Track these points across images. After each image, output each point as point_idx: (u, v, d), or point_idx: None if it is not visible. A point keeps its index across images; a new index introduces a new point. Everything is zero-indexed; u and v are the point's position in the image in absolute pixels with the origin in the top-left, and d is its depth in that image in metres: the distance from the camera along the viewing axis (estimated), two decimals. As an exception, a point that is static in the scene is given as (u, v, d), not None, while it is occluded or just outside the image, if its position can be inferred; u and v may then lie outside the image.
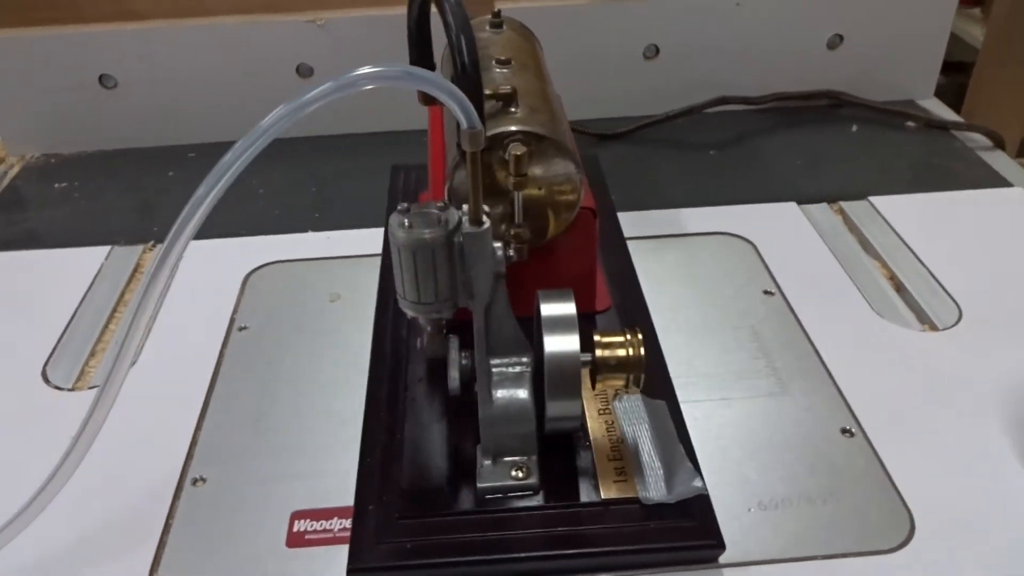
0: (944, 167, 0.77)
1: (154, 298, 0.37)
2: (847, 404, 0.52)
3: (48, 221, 0.73)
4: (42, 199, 0.76)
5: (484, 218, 0.40)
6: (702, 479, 0.44)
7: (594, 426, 0.47)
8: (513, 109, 0.48)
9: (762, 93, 0.83)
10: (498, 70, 0.53)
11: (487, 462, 0.44)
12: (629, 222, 0.69)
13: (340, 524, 0.45)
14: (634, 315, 0.56)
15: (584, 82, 0.83)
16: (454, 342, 0.44)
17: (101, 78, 0.79)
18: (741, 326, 0.58)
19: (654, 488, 0.43)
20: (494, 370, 0.44)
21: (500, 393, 0.43)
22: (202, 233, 0.70)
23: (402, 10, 0.80)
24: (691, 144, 0.81)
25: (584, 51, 0.81)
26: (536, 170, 0.48)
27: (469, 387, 0.44)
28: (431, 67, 0.47)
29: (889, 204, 0.71)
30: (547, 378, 0.41)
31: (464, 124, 0.36)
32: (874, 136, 0.82)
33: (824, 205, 0.71)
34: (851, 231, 0.69)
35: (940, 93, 0.89)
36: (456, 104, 0.36)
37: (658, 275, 0.63)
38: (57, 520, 0.45)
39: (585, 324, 0.53)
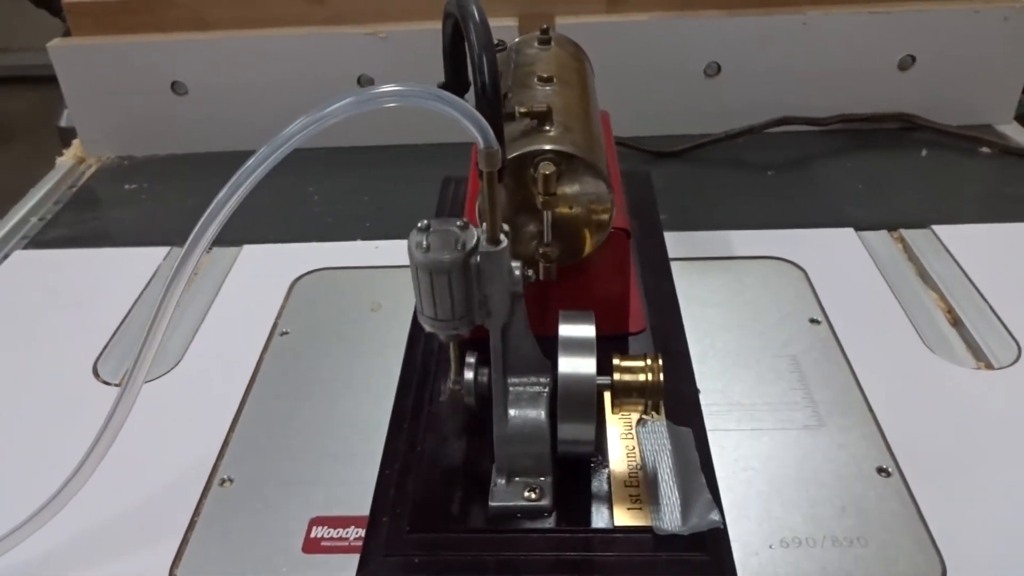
0: (1018, 196, 0.73)
1: (174, 299, 0.38)
2: (886, 442, 0.50)
3: (115, 220, 0.77)
4: (112, 199, 0.80)
5: (502, 237, 0.39)
6: (720, 512, 0.43)
7: (614, 450, 0.46)
8: (547, 127, 0.48)
9: (827, 114, 0.81)
10: (539, 87, 0.53)
11: (501, 481, 0.44)
12: (677, 242, 0.68)
13: (356, 533, 0.46)
14: (669, 338, 0.55)
15: (643, 98, 0.82)
16: (471, 357, 0.44)
17: (173, 85, 0.82)
18: (782, 355, 0.57)
19: (668, 518, 0.42)
20: (511, 389, 0.43)
21: (515, 412, 0.43)
22: (256, 238, 0.73)
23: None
24: (749, 165, 0.79)
25: (644, 67, 0.81)
26: (567, 189, 0.47)
27: (489, 404, 0.44)
28: (465, 85, 0.47)
29: (953, 234, 0.68)
30: (560, 400, 0.41)
31: (480, 144, 0.37)
32: (945, 162, 0.79)
33: (884, 232, 0.69)
34: (910, 261, 0.66)
35: (1022, 118, 0.85)
36: (471, 124, 0.36)
37: (701, 298, 0.62)
38: (87, 510, 0.47)
39: (616, 346, 0.53)
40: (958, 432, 0.50)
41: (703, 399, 0.53)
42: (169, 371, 0.58)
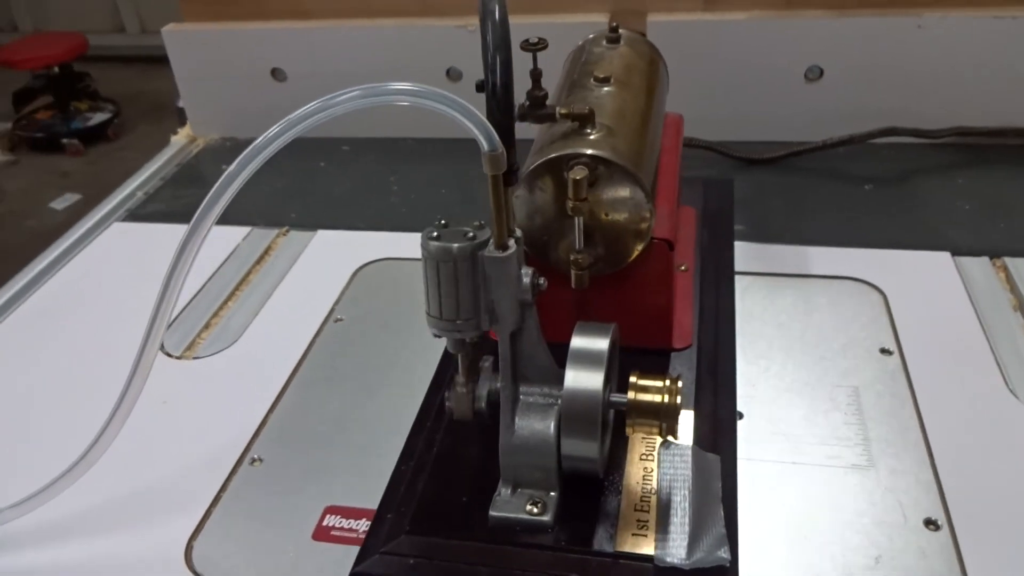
0: None
1: (182, 277, 0.39)
2: (941, 492, 0.45)
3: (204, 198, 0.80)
4: (210, 177, 0.83)
5: (510, 243, 0.38)
6: (731, 550, 0.40)
7: (631, 471, 0.44)
8: (588, 130, 0.46)
9: (939, 126, 0.74)
10: (594, 88, 0.51)
11: (505, 491, 0.43)
12: (751, 255, 0.64)
13: (366, 526, 0.46)
14: (717, 357, 0.52)
15: (737, 101, 0.78)
16: (486, 361, 0.43)
17: (273, 71, 0.85)
18: (842, 384, 0.52)
19: (673, 549, 0.40)
20: (522, 398, 0.42)
21: (522, 423, 0.42)
22: (331, 223, 0.75)
23: (549, 19, 0.80)
24: (847, 177, 0.74)
25: (740, 68, 0.77)
26: (602, 196, 0.45)
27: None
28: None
29: (1067, 267, 0.61)
30: (562, 415, 0.39)
31: (484, 146, 0.35)
32: (1073, 185, 0.71)
33: (984, 260, 0.62)
34: (1010, 292, 0.60)
35: None
36: (473, 125, 0.35)
37: (764, 316, 0.58)
38: (122, 475, 0.49)
39: (657, 361, 0.51)
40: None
41: (745, 425, 0.50)
42: (226, 348, 0.60)
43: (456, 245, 0.38)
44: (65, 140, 2.83)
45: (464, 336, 0.40)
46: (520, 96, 0.48)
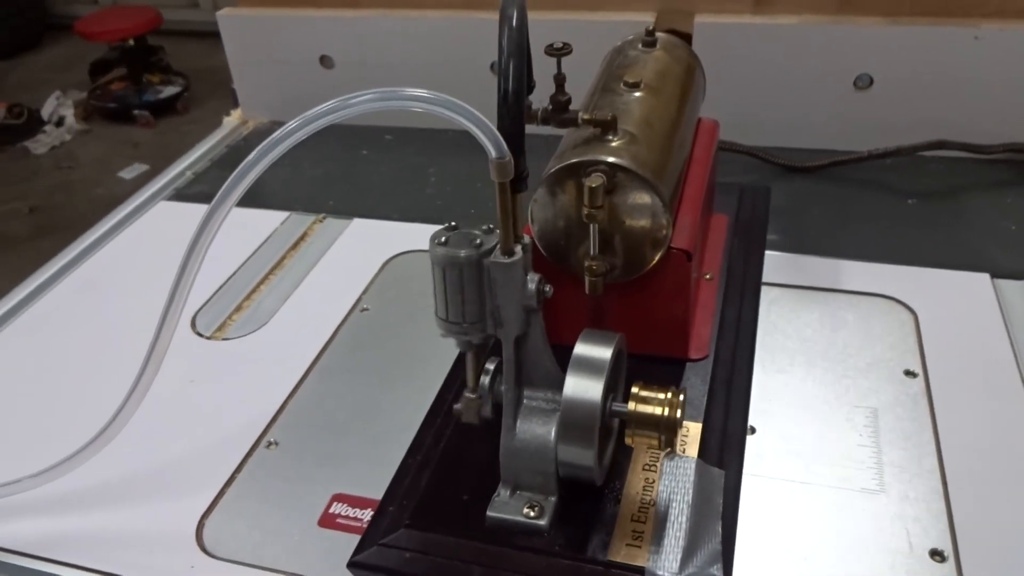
0: None
1: (198, 262, 0.40)
2: (951, 523, 0.44)
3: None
4: (255, 161, 0.85)
5: (517, 249, 0.39)
6: (725, 567, 0.40)
7: (633, 480, 0.44)
8: (609, 137, 0.46)
9: (992, 142, 0.72)
10: (623, 92, 0.51)
11: (505, 492, 0.43)
12: (782, 266, 0.63)
13: (370, 515, 0.47)
14: (734, 370, 0.52)
15: (782, 107, 0.77)
16: (492, 363, 0.43)
17: (322, 58, 0.86)
18: (861, 405, 0.52)
19: (665, 562, 0.40)
20: (525, 402, 0.43)
21: (523, 427, 0.42)
22: (367, 212, 0.76)
23: (596, 16, 0.79)
24: (890, 189, 0.72)
25: (787, 74, 0.75)
26: (620, 203, 0.45)
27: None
28: (530, 86, 0.46)
29: (1113, 295, 0.59)
30: (560, 421, 0.40)
31: (492, 154, 0.36)
32: None
33: (1025, 283, 0.60)
34: (1050, 319, 0.58)
35: None
36: (482, 133, 0.35)
37: (788, 330, 0.57)
38: (139, 451, 0.51)
39: (672, 370, 0.51)
40: (1043, 525, 0.44)
41: (756, 441, 0.50)
42: (255, 331, 0.62)
43: (463, 252, 0.39)
44: (136, 112, 2.92)
45: (471, 339, 0.41)
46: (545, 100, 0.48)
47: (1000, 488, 0.46)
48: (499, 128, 0.36)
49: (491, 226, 0.40)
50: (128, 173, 2.68)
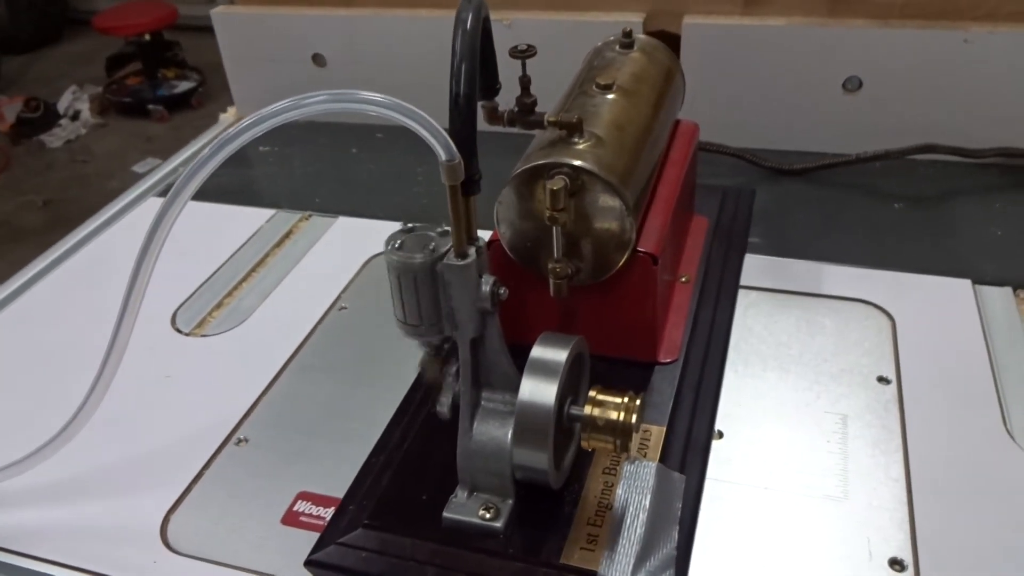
0: None
1: (153, 258, 0.41)
2: (913, 532, 0.44)
3: (239, 178, 0.82)
4: (245, 158, 0.86)
5: (470, 251, 0.39)
6: (678, 573, 0.40)
7: (591, 484, 0.44)
8: (575, 139, 0.46)
9: (982, 146, 0.71)
10: (594, 95, 0.51)
11: (462, 493, 0.43)
12: (762, 269, 0.63)
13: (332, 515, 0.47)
14: (703, 374, 0.52)
15: (771, 109, 0.76)
16: (453, 366, 0.43)
17: (315, 57, 0.87)
18: (831, 411, 0.51)
19: (617, 567, 0.40)
20: (483, 404, 0.43)
21: (480, 428, 0.42)
22: (353, 211, 0.76)
23: (585, 16, 0.79)
24: (877, 193, 0.72)
25: (776, 76, 0.75)
26: (584, 206, 0.45)
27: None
28: (494, 88, 0.46)
29: (1096, 304, 0.58)
30: (514, 424, 0.40)
31: (442, 156, 0.36)
32: (1122, 217, 0.67)
33: (1007, 290, 0.60)
34: (1030, 327, 0.57)
35: None
36: (431, 136, 0.35)
37: (764, 334, 0.57)
38: (110, 445, 0.52)
39: (641, 374, 0.51)
40: (1007, 540, 0.43)
41: (723, 445, 0.49)
42: (234, 328, 0.62)
43: (417, 258, 0.39)
44: (151, 106, 2.94)
45: (429, 339, 0.41)
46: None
47: (965, 500, 0.45)
48: (450, 131, 0.36)
49: (448, 227, 0.40)
50: (142, 167, 2.70)
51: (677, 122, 0.60)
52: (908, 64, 0.71)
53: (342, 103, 0.37)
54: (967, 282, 0.60)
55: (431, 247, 0.39)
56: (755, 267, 0.63)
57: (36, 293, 0.68)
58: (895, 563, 0.42)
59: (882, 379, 0.53)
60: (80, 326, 0.64)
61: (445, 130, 0.36)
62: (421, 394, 0.51)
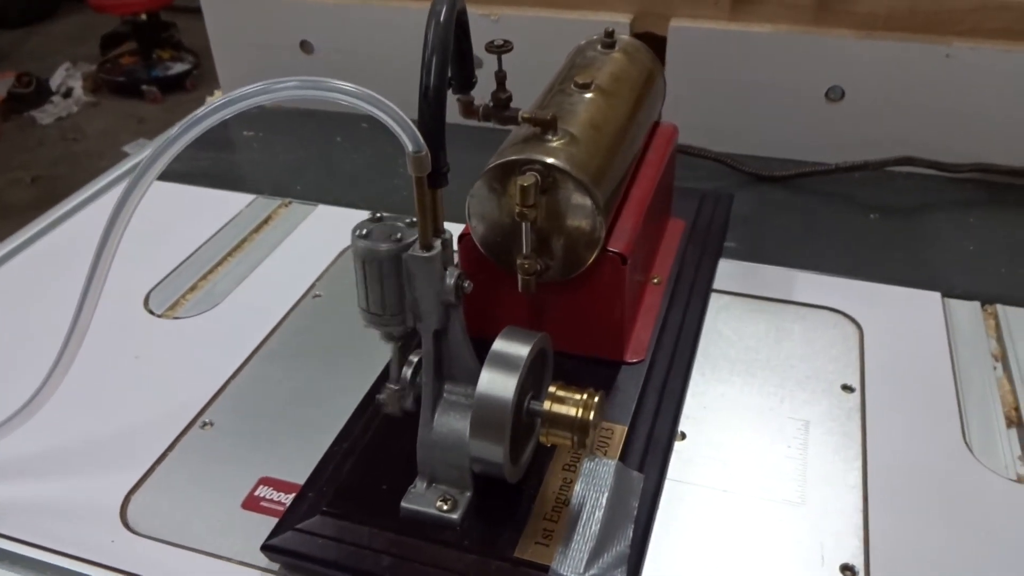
0: None
1: (117, 238, 0.41)
2: (866, 538, 0.44)
3: (222, 162, 0.82)
4: (229, 142, 0.86)
5: (436, 244, 0.39)
6: (630, 570, 0.40)
7: (550, 480, 0.45)
8: (549, 137, 0.46)
9: (960, 160, 0.71)
10: (572, 93, 0.51)
11: (421, 484, 0.43)
12: (735, 274, 0.63)
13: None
14: (669, 375, 0.52)
15: (753, 116, 0.76)
16: (416, 355, 0.44)
17: (302, 43, 0.87)
18: (794, 417, 0.52)
19: (570, 562, 0.40)
20: (445, 396, 0.43)
21: (440, 420, 0.42)
22: (334, 199, 0.76)
23: (573, 15, 0.79)
24: (854, 203, 0.72)
25: (760, 82, 0.75)
26: (555, 203, 0.45)
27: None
28: (470, 82, 0.46)
29: (1062, 321, 0.58)
30: (472, 416, 0.40)
31: (409, 148, 0.36)
32: (1094, 236, 0.68)
33: (975, 304, 0.60)
34: (995, 341, 0.58)
35: None
36: (399, 127, 0.35)
37: (731, 339, 0.57)
38: (74, 423, 0.52)
39: (608, 372, 0.51)
40: (961, 550, 0.44)
41: (685, 446, 0.50)
42: (206, 311, 0.62)
43: (383, 246, 0.39)
44: (145, 87, 2.93)
45: (391, 330, 0.41)
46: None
47: (920, 510, 0.46)
48: (419, 123, 0.37)
49: (413, 219, 0.40)
50: (132, 148, 2.69)
51: (656, 124, 0.60)
52: (890, 76, 0.72)
53: (312, 90, 0.37)
54: (936, 295, 0.61)
55: (397, 236, 0.39)
56: (729, 271, 0.63)
57: (11, 268, 0.68)
58: (847, 569, 0.43)
59: (846, 387, 0.54)
60: (52, 304, 0.63)
61: (414, 122, 0.36)
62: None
